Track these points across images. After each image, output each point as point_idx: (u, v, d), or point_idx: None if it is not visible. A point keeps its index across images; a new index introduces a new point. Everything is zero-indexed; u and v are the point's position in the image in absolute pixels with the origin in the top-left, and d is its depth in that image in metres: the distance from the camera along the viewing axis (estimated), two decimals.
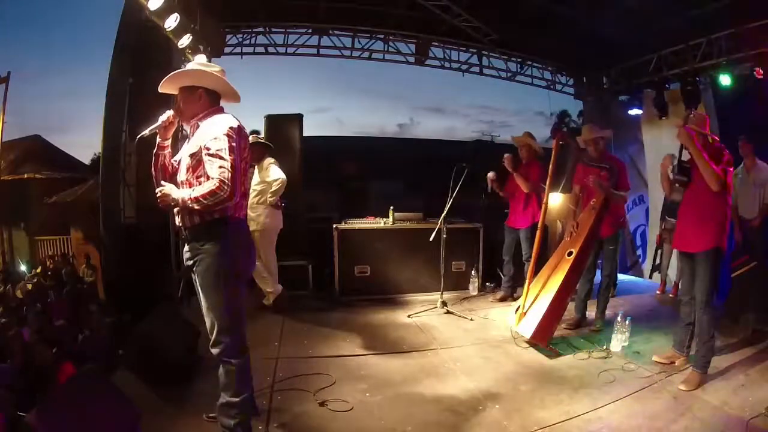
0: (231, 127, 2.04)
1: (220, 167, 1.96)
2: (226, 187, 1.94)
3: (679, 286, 3.89)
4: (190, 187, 2.07)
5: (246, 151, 2.14)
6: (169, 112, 2.18)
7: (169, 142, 2.22)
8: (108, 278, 5.38)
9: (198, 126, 2.13)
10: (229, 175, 1.96)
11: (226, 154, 1.98)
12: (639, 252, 7.01)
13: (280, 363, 3.12)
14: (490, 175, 4.57)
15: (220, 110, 2.19)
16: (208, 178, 2.00)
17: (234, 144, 2.01)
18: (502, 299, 4.74)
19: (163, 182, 2.11)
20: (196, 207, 1.98)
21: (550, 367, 3.16)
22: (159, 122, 2.17)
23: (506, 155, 4.46)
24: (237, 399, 2.09)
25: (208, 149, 2.00)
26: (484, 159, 4.65)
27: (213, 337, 2.11)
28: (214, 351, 2.11)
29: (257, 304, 4.30)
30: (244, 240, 2.22)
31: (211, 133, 2.03)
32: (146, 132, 2.19)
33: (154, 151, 2.22)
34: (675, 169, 3.00)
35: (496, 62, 7.19)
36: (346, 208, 6.05)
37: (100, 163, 5.31)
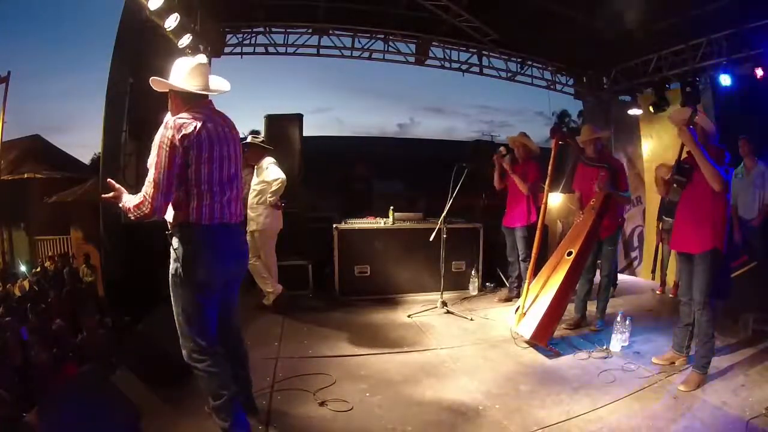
0: (161, 139, 1.92)
1: (148, 182, 1.93)
2: (147, 202, 1.91)
3: (679, 287, 3.89)
4: None
5: (205, 151, 1.98)
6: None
7: None
8: (108, 278, 5.37)
9: None
10: (151, 191, 1.90)
11: (152, 168, 1.92)
12: (636, 253, 7.00)
13: (280, 363, 3.11)
14: (501, 149, 4.55)
15: (190, 108, 2.04)
16: None
17: (164, 155, 1.90)
18: (508, 299, 4.72)
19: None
20: (130, 216, 1.97)
21: (550, 367, 3.16)
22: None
23: (499, 151, 4.48)
24: (219, 402, 2.05)
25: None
26: (483, 159, 4.65)
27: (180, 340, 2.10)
28: (183, 354, 2.10)
29: (257, 304, 4.30)
30: (211, 249, 2.03)
31: (154, 139, 1.96)
32: None
33: None
34: (674, 169, 2.99)
35: (496, 62, 7.18)
36: (346, 208, 6.05)
37: (100, 163, 5.31)
